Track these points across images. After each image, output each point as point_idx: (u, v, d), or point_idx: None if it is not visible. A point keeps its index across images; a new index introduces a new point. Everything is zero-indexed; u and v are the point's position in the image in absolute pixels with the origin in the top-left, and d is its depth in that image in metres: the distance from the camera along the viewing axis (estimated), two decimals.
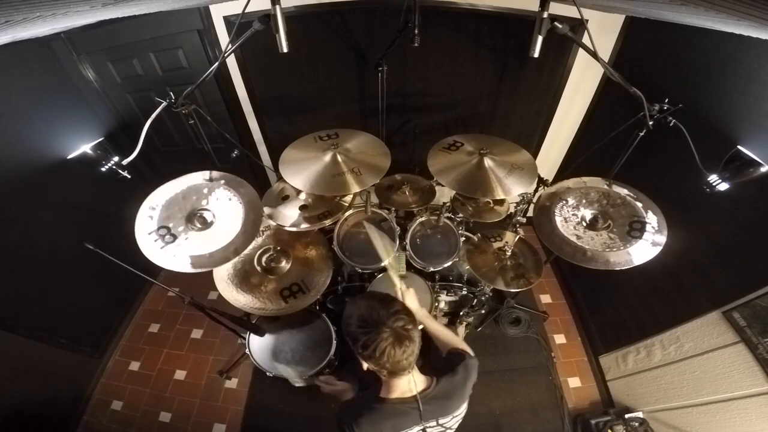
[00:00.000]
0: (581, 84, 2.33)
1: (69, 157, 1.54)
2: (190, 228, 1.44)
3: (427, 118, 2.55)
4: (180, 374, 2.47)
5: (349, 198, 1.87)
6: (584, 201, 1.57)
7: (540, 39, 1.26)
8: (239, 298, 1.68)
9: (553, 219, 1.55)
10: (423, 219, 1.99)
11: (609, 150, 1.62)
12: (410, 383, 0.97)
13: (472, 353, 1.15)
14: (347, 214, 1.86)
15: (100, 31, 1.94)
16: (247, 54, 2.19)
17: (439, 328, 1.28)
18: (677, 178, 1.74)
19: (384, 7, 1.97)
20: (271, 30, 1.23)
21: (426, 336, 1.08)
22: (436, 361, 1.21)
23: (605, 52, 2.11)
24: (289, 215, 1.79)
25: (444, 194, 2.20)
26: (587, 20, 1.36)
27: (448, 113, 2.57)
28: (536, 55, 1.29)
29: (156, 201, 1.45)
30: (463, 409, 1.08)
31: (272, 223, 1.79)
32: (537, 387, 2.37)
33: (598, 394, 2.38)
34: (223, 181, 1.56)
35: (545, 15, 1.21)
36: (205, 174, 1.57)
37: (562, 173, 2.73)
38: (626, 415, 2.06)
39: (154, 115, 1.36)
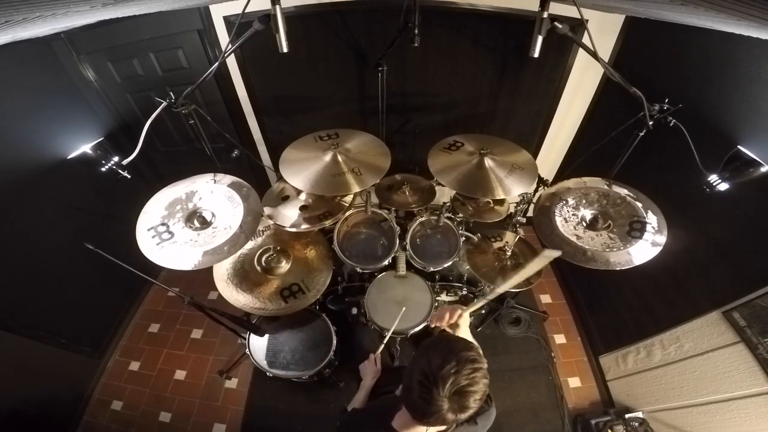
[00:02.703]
0: (581, 84, 2.33)
1: (69, 157, 1.55)
2: (189, 227, 1.44)
3: (427, 118, 2.55)
4: (180, 374, 2.47)
5: (349, 198, 1.87)
6: (584, 201, 1.57)
7: (540, 39, 1.26)
8: (239, 298, 1.68)
9: (553, 219, 1.55)
10: (423, 219, 1.99)
11: (609, 150, 1.62)
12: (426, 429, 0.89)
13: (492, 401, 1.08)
14: (347, 214, 1.86)
15: (100, 31, 1.93)
16: (247, 54, 2.19)
17: None
18: (677, 178, 1.73)
19: (384, 7, 1.97)
20: (271, 30, 1.23)
21: None
22: None
23: (605, 52, 2.11)
24: (289, 215, 1.79)
25: (444, 194, 2.21)
26: (587, 20, 1.36)
27: (448, 113, 2.56)
28: (536, 55, 1.29)
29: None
30: None
31: (272, 223, 1.79)
32: (537, 387, 2.37)
33: (598, 394, 2.38)
34: (226, 183, 1.56)
35: (545, 15, 1.21)
36: (209, 176, 1.58)
37: (562, 173, 2.73)
38: (626, 415, 2.06)
39: (154, 115, 1.36)
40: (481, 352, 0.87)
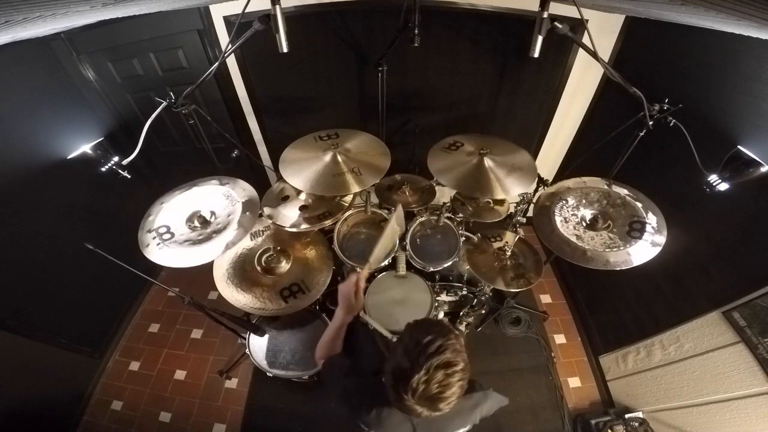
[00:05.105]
0: (581, 84, 2.33)
1: (69, 157, 1.55)
2: (189, 227, 1.44)
3: (427, 118, 2.55)
4: (180, 374, 2.47)
5: (349, 198, 1.87)
6: (584, 201, 1.57)
7: (540, 39, 1.26)
8: (239, 298, 1.68)
9: (553, 219, 1.55)
10: (423, 219, 1.99)
11: (609, 150, 1.62)
12: None
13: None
14: (347, 214, 1.86)
15: (100, 31, 1.94)
16: (247, 54, 2.19)
17: None
18: (677, 178, 1.73)
19: (384, 7, 1.96)
20: (271, 30, 1.23)
21: None
22: None
23: (605, 52, 2.11)
24: (289, 215, 1.79)
25: (444, 194, 2.20)
26: (587, 20, 1.35)
27: (448, 113, 2.56)
28: (536, 55, 1.29)
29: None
30: (464, 430, 1.05)
31: (272, 223, 1.79)
32: (537, 387, 2.37)
33: (598, 394, 2.38)
34: (229, 185, 1.57)
35: (545, 15, 1.21)
36: (216, 180, 1.59)
37: (562, 173, 2.72)
38: (626, 415, 2.06)
39: (154, 115, 1.36)
40: (460, 340, 0.82)
